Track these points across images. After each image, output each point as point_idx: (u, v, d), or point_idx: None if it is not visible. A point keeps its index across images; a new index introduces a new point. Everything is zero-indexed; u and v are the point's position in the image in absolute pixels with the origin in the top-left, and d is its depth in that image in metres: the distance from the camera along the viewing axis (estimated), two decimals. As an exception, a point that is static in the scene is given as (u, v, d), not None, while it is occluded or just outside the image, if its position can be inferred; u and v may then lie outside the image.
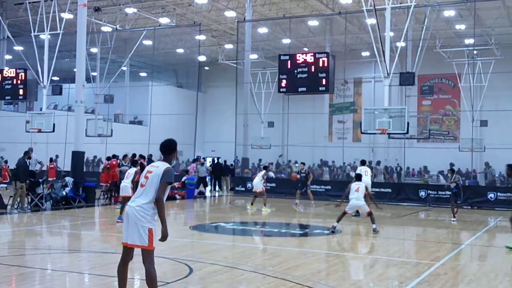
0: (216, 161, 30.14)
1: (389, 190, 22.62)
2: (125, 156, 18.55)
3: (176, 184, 21.66)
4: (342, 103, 36.52)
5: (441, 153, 31.05)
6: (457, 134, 34.49)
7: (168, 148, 6.18)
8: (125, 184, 14.44)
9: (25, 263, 9.09)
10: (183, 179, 23.01)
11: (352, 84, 36.62)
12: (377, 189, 21.44)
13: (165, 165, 6.00)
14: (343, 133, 34.40)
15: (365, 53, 34.28)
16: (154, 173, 5.93)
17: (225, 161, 27.98)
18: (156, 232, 5.89)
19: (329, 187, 23.86)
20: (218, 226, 14.75)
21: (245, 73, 28.85)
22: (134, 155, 19.68)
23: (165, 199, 5.93)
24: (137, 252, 5.92)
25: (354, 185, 13.67)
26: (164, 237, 5.88)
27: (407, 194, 22.14)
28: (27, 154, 16.60)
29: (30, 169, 17.36)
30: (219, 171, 26.91)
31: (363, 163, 17.97)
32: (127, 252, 6.03)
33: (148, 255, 5.85)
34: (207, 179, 26.40)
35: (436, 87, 34.42)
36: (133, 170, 14.65)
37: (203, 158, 29.56)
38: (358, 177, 14.14)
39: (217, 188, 26.99)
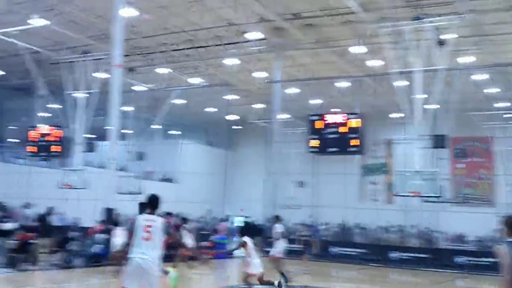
0: (246, 221, 29.84)
1: (425, 255, 21.93)
2: None
3: (206, 244, 21.51)
4: (373, 164, 36.19)
5: (477, 218, 30.12)
6: (493, 199, 33.62)
7: (156, 202, 6.79)
8: None
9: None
10: (212, 238, 22.77)
11: (383, 146, 36.38)
12: (412, 254, 20.82)
13: (160, 218, 6.70)
14: (375, 194, 33.84)
15: (396, 115, 34.18)
16: (155, 227, 6.49)
17: (253, 222, 27.65)
18: None
19: (363, 250, 23.27)
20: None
21: (274, 132, 28.99)
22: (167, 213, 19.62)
23: None
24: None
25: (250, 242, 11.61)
26: None
27: (443, 260, 21.39)
28: (49, 210, 16.75)
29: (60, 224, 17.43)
30: (249, 231, 26.51)
31: (278, 218, 16.53)
32: None
33: None
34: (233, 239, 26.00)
35: (469, 150, 33.94)
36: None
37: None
38: (254, 230, 12.69)
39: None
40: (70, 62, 24.67)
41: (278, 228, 15.40)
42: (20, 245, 15.71)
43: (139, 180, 27.64)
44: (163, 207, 22.20)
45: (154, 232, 6.43)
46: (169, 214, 21.61)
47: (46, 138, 23.29)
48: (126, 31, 22.10)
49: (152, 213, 6.68)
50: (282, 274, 14.52)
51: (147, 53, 29.83)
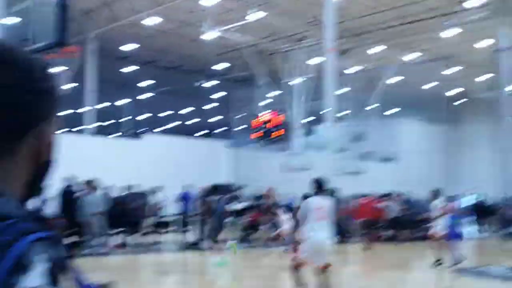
0: (475, 200, 27.83)
1: None
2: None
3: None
4: None
5: None
6: None
7: (322, 185, 7.53)
8: None
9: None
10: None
11: None
12: None
13: (327, 199, 7.66)
14: None
15: None
16: (325, 207, 7.37)
17: (484, 201, 25.64)
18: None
19: None
20: (482, 271, 13.37)
21: (504, 105, 26.41)
22: (386, 194, 19.29)
23: None
24: None
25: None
26: None
27: None
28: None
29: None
30: (480, 211, 24.74)
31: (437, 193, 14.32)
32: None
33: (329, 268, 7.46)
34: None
35: None
36: None
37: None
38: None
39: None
40: (285, 51, 25.65)
41: (438, 204, 13.95)
42: (250, 223, 16.88)
43: (358, 160, 27.54)
44: (385, 188, 21.75)
45: (324, 211, 7.27)
46: (387, 195, 21.17)
47: (267, 125, 24.62)
48: (337, 14, 22.10)
49: (321, 194, 7.43)
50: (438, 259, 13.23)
51: (358, 34, 29.54)
